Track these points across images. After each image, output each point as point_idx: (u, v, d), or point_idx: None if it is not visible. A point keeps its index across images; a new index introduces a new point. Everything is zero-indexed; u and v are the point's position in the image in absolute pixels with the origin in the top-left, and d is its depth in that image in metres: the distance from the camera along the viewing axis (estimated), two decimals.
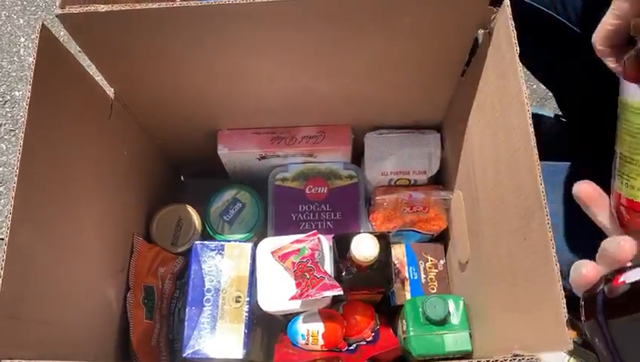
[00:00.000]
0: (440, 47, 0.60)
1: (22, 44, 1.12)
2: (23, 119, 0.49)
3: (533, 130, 0.46)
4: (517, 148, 0.49)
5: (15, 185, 0.47)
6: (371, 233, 0.63)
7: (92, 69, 0.61)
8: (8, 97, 1.08)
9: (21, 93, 1.09)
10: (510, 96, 0.50)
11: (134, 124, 0.73)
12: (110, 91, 0.66)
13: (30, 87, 0.49)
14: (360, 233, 0.61)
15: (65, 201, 0.57)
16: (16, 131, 1.05)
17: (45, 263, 0.52)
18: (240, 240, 0.78)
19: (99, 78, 0.64)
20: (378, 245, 0.59)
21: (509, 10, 0.51)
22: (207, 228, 0.79)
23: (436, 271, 0.76)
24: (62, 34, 0.56)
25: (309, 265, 0.66)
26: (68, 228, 0.57)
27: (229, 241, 0.74)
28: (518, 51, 0.49)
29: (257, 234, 0.80)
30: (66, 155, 0.57)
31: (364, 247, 0.59)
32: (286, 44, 0.57)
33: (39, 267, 0.51)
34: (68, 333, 0.56)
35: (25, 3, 1.13)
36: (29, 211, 0.49)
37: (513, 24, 0.50)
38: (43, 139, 0.52)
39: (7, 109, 1.07)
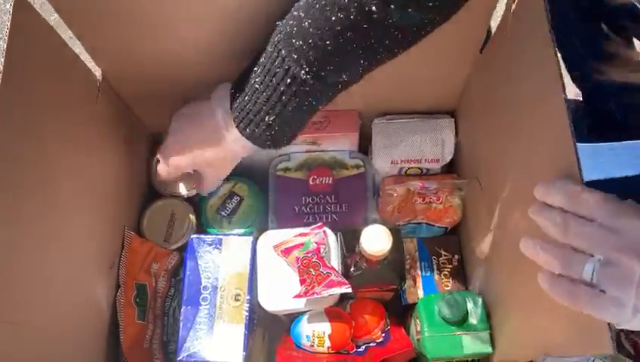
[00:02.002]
0: (456, 18, 0.55)
1: None
2: None
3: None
4: (555, 127, 0.44)
5: None
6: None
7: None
8: None
9: None
10: (546, 71, 0.45)
11: (123, 108, 0.68)
12: (97, 72, 0.61)
13: (2, 59, 0.44)
14: (371, 224, 0.56)
15: (48, 191, 0.52)
16: None
17: (25, 260, 0.48)
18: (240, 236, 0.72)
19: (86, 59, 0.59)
20: (391, 238, 0.54)
21: None
22: (204, 226, 0.74)
23: (451, 266, 0.71)
24: (52, 19, 0.51)
25: (314, 260, 0.61)
26: (51, 221, 0.52)
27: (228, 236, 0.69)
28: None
29: (258, 228, 0.75)
30: (49, 141, 0.52)
31: (376, 240, 0.54)
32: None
33: (19, 266, 0.47)
34: (51, 335, 0.52)
35: None
36: (5, 206, 0.44)
37: None
38: (22, 122, 0.47)
39: None
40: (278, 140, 0.56)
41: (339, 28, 0.44)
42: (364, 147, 0.77)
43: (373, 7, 0.41)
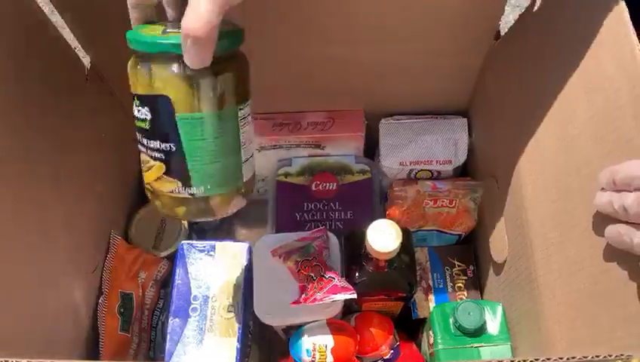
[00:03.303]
0: (468, 7, 0.51)
1: None
2: None
3: None
4: (615, 100, 0.39)
5: None
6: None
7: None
8: None
9: None
10: (601, 41, 0.40)
11: (113, 99, 0.64)
12: (86, 59, 0.57)
13: None
14: (377, 220, 0.50)
15: (24, 185, 0.48)
16: None
17: None
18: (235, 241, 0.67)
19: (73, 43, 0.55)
20: (400, 234, 0.49)
21: None
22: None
23: (465, 278, 0.66)
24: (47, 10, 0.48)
25: (315, 264, 0.56)
26: (25, 217, 0.48)
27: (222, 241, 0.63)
28: None
29: None
30: (29, 129, 0.49)
31: (383, 236, 0.49)
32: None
33: None
34: (20, 340, 0.46)
35: None
36: None
37: None
38: (10, 114, 0.44)
39: None
40: None
41: None
42: (371, 152, 0.73)
43: None
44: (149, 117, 0.38)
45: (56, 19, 0.52)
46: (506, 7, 0.53)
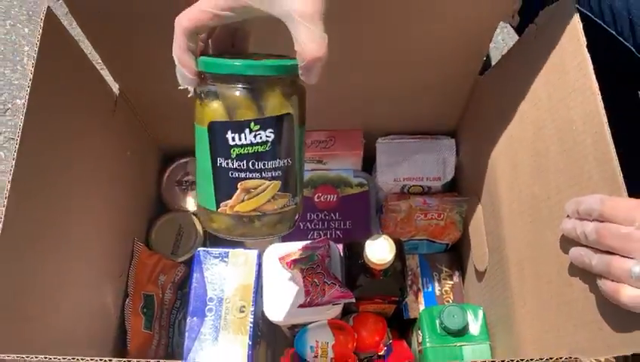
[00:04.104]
0: (457, 43, 0.57)
1: (25, 53, 1.10)
2: (22, 108, 0.46)
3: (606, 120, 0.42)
4: (580, 142, 0.45)
5: (10, 182, 0.44)
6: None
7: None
8: (10, 105, 1.06)
9: (22, 101, 1.07)
10: (569, 89, 0.47)
11: (138, 123, 0.71)
12: (115, 87, 0.64)
13: (32, 69, 0.47)
14: (374, 235, 0.57)
15: (63, 199, 0.54)
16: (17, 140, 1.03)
17: (40, 263, 0.49)
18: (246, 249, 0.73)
19: (104, 73, 0.61)
20: (394, 248, 0.56)
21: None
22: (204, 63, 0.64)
23: (451, 282, 0.73)
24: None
25: (318, 271, 0.62)
26: (65, 228, 0.54)
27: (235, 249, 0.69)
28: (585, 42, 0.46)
29: None
30: (66, 151, 0.55)
31: (379, 249, 0.56)
32: None
33: (34, 266, 0.48)
34: (63, 335, 0.52)
35: (30, 12, 1.13)
36: (23, 208, 0.46)
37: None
38: (41, 132, 0.49)
39: (8, 117, 1.05)
40: None
41: None
42: (368, 166, 0.79)
43: None
44: (271, 138, 0.39)
45: (89, 51, 0.58)
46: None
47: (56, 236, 0.52)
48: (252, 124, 0.38)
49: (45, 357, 0.37)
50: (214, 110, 0.39)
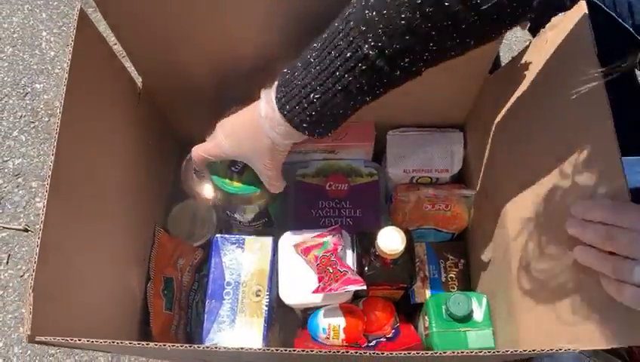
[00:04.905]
0: None
1: (44, 38, 1.12)
2: (59, 104, 0.49)
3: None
4: (586, 141, 0.48)
5: (51, 171, 0.47)
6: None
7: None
8: (29, 89, 1.09)
9: (42, 85, 1.10)
10: (576, 90, 0.49)
11: (158, 114, 0.74)
12: (138, 80, 0.66)
13: (67, 70, 0.50)
14: (386, 226, 0.61)
15: (93, 189, 0.57)
16: (36, 123, 1.06)
17: (74, 248, 0.53)
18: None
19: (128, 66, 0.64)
20: (405, 239, 0.59)
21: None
22: (214, 179, 0.68)
23: (457, 270, 0.76)
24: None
25: (332, 258, 0.65)
26: (95, 215, 0.57)
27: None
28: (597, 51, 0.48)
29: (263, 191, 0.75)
30: (96, 143, 0.58)
31: (391, 240, 0.59)
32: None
33: (69, 251, 0.51)
34: (94, 317, 0.56)
35: None
36: (61, 197, 0.49)
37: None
38: (76, 123, 0.52)
39: (28, 101, 1.08)
40: (315, 124, 0.50)
41: (419, 1, 0.40)
42: (378, 156, 0.82)
43: None
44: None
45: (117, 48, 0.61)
46: None
47: (88, 224, 0.56)
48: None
49: (88, 340, 0.41)
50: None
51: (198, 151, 0.62)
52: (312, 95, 0.48)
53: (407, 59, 0.44)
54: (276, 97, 0.50)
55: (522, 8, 0.41)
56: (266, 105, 0.52)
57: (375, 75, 0.45)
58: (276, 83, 0.51)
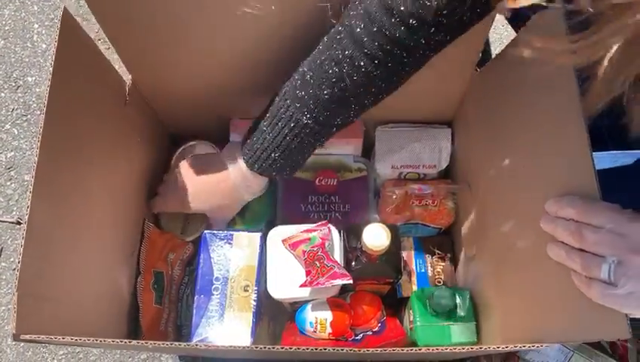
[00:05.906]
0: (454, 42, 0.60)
1: (35, 30, 1.12)
2: (43, 102, 0.49)
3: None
4: (566, 138, 0.49)
5: (35, 167, 0.48)
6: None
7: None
8: (21, 82, 1.09)
9: (34, 78, 1.10)
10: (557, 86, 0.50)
11: (149, 110, 0.74)
12: (128, 78, 0.67)
13: (52, 69, 0.50)
14: (372, 223, 0.61)
15: (79, 184, 0.57)
16: (28, 116, 1.06)
17: (61, 244, 0.53)
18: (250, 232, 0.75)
19: (117, 66, 0.64)
20: (390, 235, 0.60)
21: None
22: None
23: (443, 264, 0.77)
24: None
25: (319, 253, 0.66)
26: (82, 211, 0.58)
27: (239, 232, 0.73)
28: None
29: (267, 225, 0.79)
30: (82, 138, 0.58)
31: (376, 236, 0.60)
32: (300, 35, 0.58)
33: (55, 247, 0.52)
34: (81, 313, 0.57)
35: None
36: (46, 194, 0.50)
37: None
38: (62, 120, 0.52)
39: (20, 94, 1.08)
40: (280, 170, 0.64)
41: (334, 79, 0.52)
42: (367, 152, 0.82)
43: (362, 63, 0.51)
44: None
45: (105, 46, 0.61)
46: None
47: (75, 219, 0.56)
48: None
49: (72, 338, 0.42)
50: None
51: (160, 207, 0.75)
52: (273, 154, 0.61)
53: (338, 119, 0.58)
54: (244, 159, 0.64)
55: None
56: (234, 170, 0.66)
57: (316, 134, 0.59)
58: (239, 152, 0.64)
